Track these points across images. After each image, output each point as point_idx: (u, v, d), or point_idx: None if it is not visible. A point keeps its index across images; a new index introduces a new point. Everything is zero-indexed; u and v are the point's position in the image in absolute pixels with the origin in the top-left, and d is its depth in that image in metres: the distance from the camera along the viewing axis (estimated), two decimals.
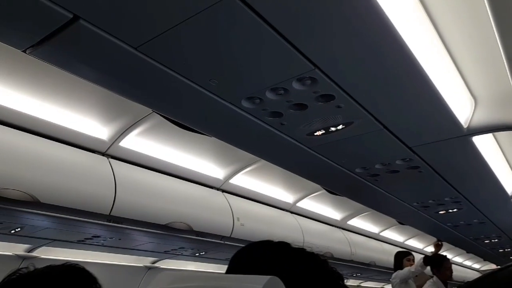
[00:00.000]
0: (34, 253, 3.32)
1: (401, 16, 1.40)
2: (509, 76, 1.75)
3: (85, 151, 2.53)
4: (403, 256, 4.32)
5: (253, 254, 0.77)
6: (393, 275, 4.23)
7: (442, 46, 1.77)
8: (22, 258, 3.29)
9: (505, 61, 1.66)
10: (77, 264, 1.03)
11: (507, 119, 2.13)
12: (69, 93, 2.24)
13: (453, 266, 4.03)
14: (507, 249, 6.44)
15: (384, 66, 1.59)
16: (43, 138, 2.34)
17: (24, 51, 1.38)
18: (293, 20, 1.31)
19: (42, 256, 3.37)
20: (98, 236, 3.01)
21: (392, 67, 1.60)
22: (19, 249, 3.25)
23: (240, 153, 2.61)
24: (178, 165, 3.00)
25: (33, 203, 2.23)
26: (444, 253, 4.28)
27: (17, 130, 2.24)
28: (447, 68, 1.87)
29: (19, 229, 2.66)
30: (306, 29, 1.35)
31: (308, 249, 0.77)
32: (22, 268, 0.98)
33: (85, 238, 3.04)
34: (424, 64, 1.61)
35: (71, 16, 1.21)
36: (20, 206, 2.23)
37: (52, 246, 3.23)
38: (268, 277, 0.68)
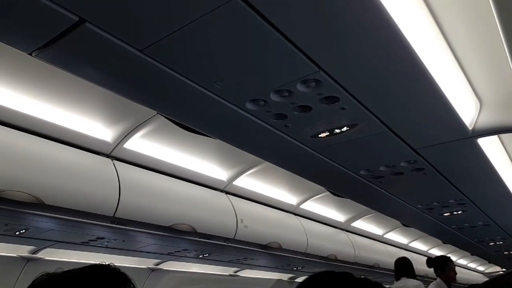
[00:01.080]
0: (39, 255, 3.33)
1: (406, 18, 1.40)
2: None
3: (90, 153, 2.54)
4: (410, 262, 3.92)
5: (316, 285, 0.78)
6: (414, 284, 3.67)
7: (447, 48, 1.77)
8: (27, 259, 3.30)
9: (510, 62, 1.65)
10: (109, 264, 1.02)
11: None
12: (73, 95, 2.25)
13: (458, 268, 3.98)
14: None
15: (389, 68, 1.59)
16: (48, 140, 2.34)
17: (30, 54, 1.38)
18: (297, 22, 1.31)
19: (47, 258, 3.37)
20: (102, 238, 3.01)
21: (397, 69, 1.60)
22: (23, 250, 3.26)
23: (243, 155, 2.61)
24: (182, 166, 3.00)
25: (38, 205, 2.23)
26: (448, 255, 4.23)
27: (22, 132, 2.24)
28: (452, 70, 1.87)
29: (23, 230, 2.66)
30: (310, 30, 1.35)
31: (371, 279, 0.78)
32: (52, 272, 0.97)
33: (89, 240, 3.04)
34: (429, 65, 1.61)
35: (76, 19, 1.21)
36: (25, 208, 2.24)
37: (57, 248, 3.24)
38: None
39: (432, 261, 3.93)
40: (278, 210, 4.02)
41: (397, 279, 3.87)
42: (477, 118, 2.15)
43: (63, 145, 2.41)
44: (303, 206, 4.20)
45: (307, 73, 1.55)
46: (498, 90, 2.05)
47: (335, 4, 1.25)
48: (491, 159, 2.59)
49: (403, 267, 3.92)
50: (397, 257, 4.15)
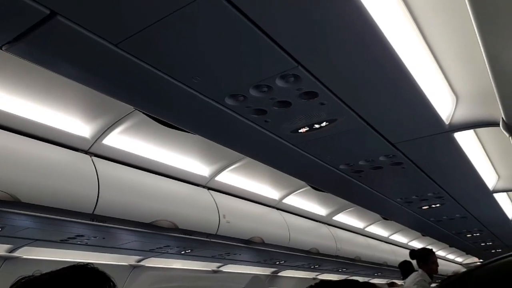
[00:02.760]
0: (16, 254, 3.26)
1: (383, 15, 1.41)
2: (490, 73, 1.78)
3: (67, 149, 2.49)
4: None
5: None
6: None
7: (424, 44, 1.79)
8: (4, 258, 3.23)
9: (485, 58, 1.68)
10: (88, 264, 1.00)
11: (488, 115, 2.16)
12: (50, 90, 2.20)
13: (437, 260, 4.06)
14: (489, 242, 6.58)
15: (367, 64, 1.60)
16: (24, 137, 2.29)
17: (0, 48, 1.34)
18: (275, 16, 1.30)
19: (24, 256, 3.31)
20: (82, 236, 2.97)
21: (375, 65, 1.61)
22: (0, 249, 3.19)
23: (225, 150, 2.60)
24: (163, 162, 2.97)
25: (14, 203, 2.18)
26: (429, 248, 4.32)
27: None
28: (429, 65, 1.89)
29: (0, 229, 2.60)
30: (289, 25, 1.35)
31: None
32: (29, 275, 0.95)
33: (68, 238, 2.99)
34: (407, 61, 1.62)
35: (48, 12, 1.18)
36: (0, 206, 2.19)
37: (35, 246, 3.18)
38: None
39: (414, 253, 3.99)
40: (261, 205, 4.03)
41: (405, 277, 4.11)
42: (454, 113, 2.20)
43: (39, 141, 2.36)
44: (285, 200, 4.22)
45: (286, 68, 1.55)
46: (474, 85, 2.10)
47: (313, 1, 1.24)
48: (467, 153, 2.65)
49: (409, 267, 4.38)
50: (377, 250, 4.32)
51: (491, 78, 1.75)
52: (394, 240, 6.83)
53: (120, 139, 2.65)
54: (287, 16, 1.31)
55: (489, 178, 3.44)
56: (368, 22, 1.36)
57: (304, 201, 4.50)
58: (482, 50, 1.62)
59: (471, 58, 1.87)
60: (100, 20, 1.25)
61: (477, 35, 1.52)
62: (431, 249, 3.92)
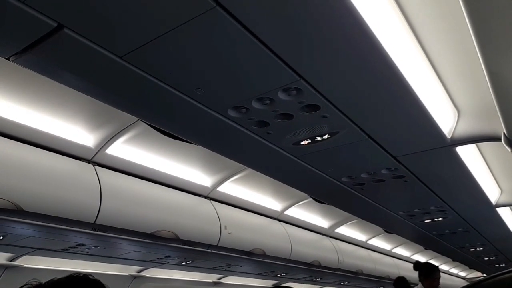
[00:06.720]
0: (17, 262, 3.25)
1: (386, 30, 1.43)
2: (490, 89, 1.79)
3: (71, 159, 2.50)
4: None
5: None
6: None
7: (426, 60, 1.81)
8: (4, 267, 3.22)
9: (486, 74, 1.69)
10: (80, 274, 1.01)
11: (490, 130, 2.17)
12: (54, 100, 2.22)
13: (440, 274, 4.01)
14: (492, 257, 6.51)
15: (368, 78, 1.62)
16: (27, 145, 2.31)
17: (8, 59, 1.37)
18: (278, 31, 1.32)
19: (25, 265, 3.30)
20: (83, 245, 2.97)
21: (377, 79, 1.63)
22: (1, 258, 3.18)
23: (227, 161, 2.61)
24: (165, 172, 2.98)
25: (16, 211, 2.19)
26: (430, 261, 4.29)
27: (0, 137, 2.20)
28: (430, 80, 1.91)
29: (1, 237, 2.61)
30: (291, 40, 1.37)
31: None
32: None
33: (69, 247, 2.99)
34: (408, 76, 1.64)
35: (55, 24, 1.21)
36: (2, 215, 2.19)
37: (36, 255, 3.18)
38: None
39: (419, 266, 3.93)
40: (262, 216, 4.02)
41: None
42: (455, 127, 2.20)
43: (43, 150, 2.38)
44: (287, 212, 4.21)
45: (288, 82, 1.57)
46: (475, 100, 2.10)
47: (315, 16, 1.27)
48: (469, 167, 2.65)
49: (403, 284, 4.41)
50: (380, 263, 4.30)
51: (492, 93, 1.76)
52: (396, 254, 6.77)
53: (124, 149, 2.66)
54: (289, 31, 1.33)
55: (492, 192, 3.42)
56: (370, 37, 1.38)
57: (306, 213, 4.48)
58: (483, 66, 1.63)
59: (473, 73, 1.88)
60: (106, 33, 1.27)
61: (478, 52, 1.53)
62: (437, 267, 3.86)
